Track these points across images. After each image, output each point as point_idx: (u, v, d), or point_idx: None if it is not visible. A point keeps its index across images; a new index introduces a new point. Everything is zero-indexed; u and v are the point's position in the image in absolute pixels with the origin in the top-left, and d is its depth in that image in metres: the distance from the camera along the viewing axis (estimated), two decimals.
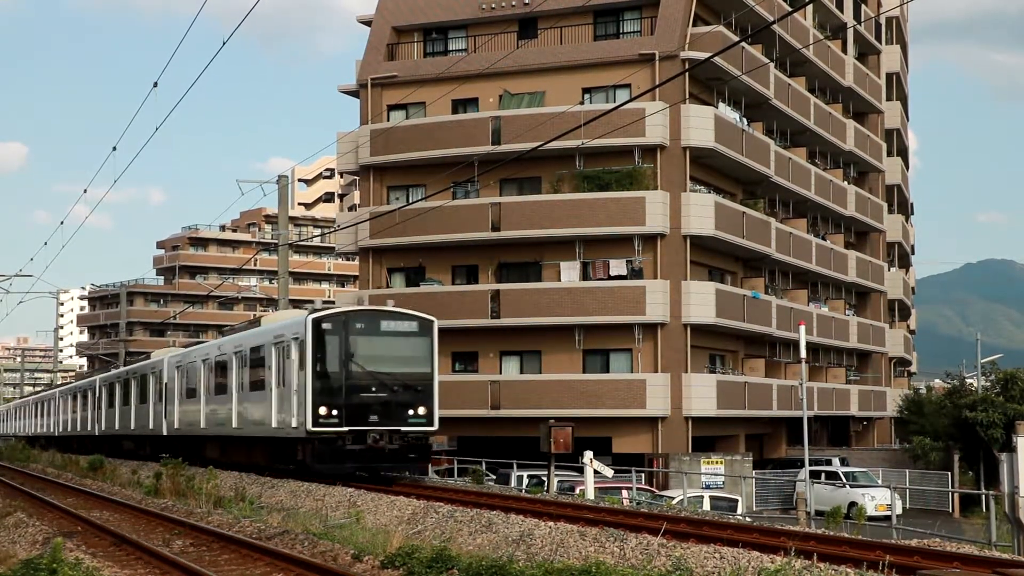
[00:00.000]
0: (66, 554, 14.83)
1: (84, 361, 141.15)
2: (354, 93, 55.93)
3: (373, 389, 27.51)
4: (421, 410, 27.85)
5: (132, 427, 46.68)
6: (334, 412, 27.01)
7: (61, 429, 67.47)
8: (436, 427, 28.16)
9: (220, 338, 38.64)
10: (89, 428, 57.41)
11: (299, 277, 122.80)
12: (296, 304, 53.08)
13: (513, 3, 53.21)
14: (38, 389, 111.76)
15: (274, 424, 29.60)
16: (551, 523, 17.02)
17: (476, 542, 17.07)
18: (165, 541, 19.06)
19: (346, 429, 27.02)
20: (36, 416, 79.96)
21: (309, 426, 26.98)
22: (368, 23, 57.35)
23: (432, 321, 28.79)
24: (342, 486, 26.06)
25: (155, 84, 29.21)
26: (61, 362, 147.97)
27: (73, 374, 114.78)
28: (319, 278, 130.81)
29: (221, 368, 35.01)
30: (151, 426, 43.35)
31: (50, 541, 16.47)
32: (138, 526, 22.00)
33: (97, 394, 55.50)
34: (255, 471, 31.57)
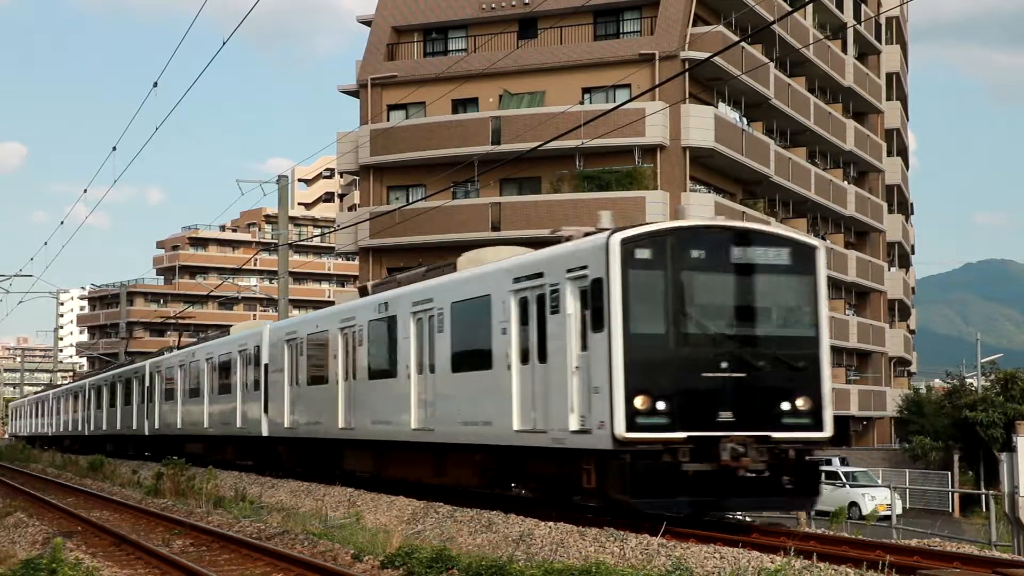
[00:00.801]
0: (66, 554, 14.83)
1: (84, 361, 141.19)
2: (354, 93, 56.00)
3: (723, 366, 16.71)
4: (801, 402, 17.02)
5: (206, 424, 37.29)
6: (659, 406, 16.27)
7: (93, 427, 58.12)
8: (829, 433, 17.26)
9: (363, 297, 27.79)
10: (135, 427, 47.34)
11: (299, 277, 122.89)
12: (297, 305, 52.15)
13: (513, 3, 53.25)
14: (62, 381, 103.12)
15: (517, 425, 18.82)
16: (551, 523, 17.01)
17: (476, 542, 17.07)
18: (165, 541, 19.05)
19: (682, 436, 16.29)
20: (59, 412, 70.34)
21: (619, 430, 16.12)
22: (368, 23, 57.41)
23: (814, 247, 17.85)
24: (341, 486, 25.57)
25: (155, 84, 29.24)
26: (61, 362, 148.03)
27: (72, 375, 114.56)
28: (319, 278, 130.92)
29: (377, 339, 24.47)
30: (239, 424, 33.73)
31: (50, 541, 16.48)
32: (138, 526, 22.00)
33: (148, 383, 45.46)
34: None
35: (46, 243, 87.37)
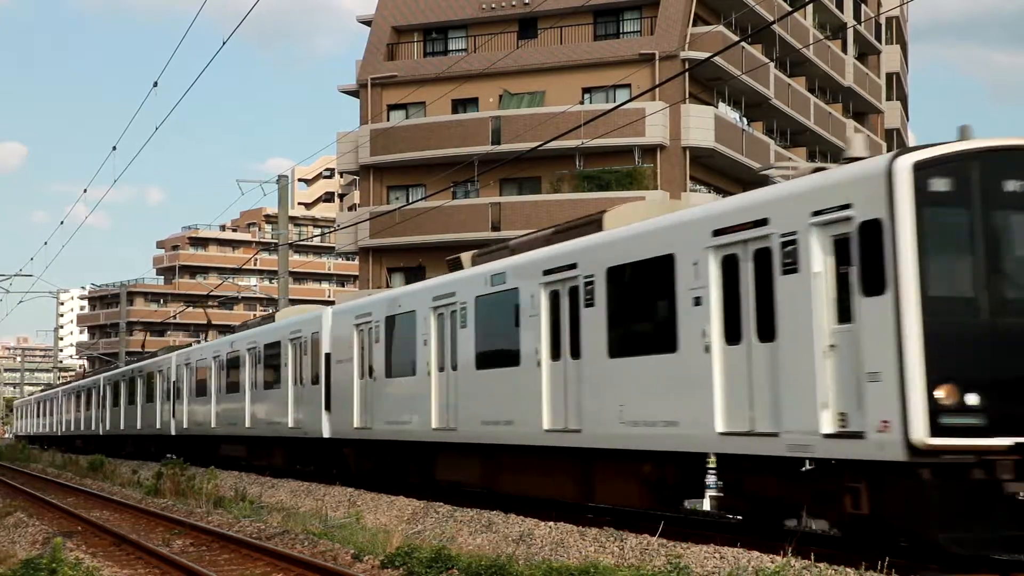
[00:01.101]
0: (66, 554, 14.84)
1: (84, 361, 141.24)
2: (354, 93, 56.05)
3: None
4: None
5: (248, 424, 32.96)
6: (970, 400, 11.66)
7: (108, 426, 53.91)
8: None
9: (458, 270, 22.64)
10: (159, 426, 43.03)
11: (299, 277, 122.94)
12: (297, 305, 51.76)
13: (513, 3, 53.28)
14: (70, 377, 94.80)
15: (721, 426, 14.52)
16: (551, 523, 17.02)
17: (476, 542, 17.08)
18: (165, 541, 19.06)
19: (1006, 443, 11.60)
20: (70, 411, 65.56)
21: (916, 433, 11.60)
22: (368, 23, 57.46)
23: None
24: (341, 486, 25.78)
25: (155, 84, 29.36)
26: (61, 362, 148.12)
27: (82, 372, 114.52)
28: (319, 278, 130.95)
29: (488, 319, 20.19)
30: (291, 424, 29.52)
31: (50, 541, 16.49)
32: (138, 526, 22.01)
33: (175, 378, 41.34)
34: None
35: (46, 243, 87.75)
